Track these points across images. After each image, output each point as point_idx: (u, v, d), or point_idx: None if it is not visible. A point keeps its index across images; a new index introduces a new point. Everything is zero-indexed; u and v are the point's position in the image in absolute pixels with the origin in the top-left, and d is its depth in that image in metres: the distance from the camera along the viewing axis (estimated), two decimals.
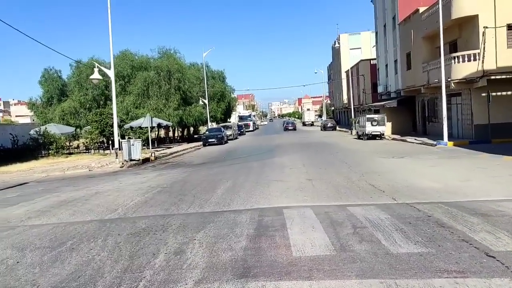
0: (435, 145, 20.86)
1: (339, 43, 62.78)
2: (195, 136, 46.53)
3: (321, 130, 51.20)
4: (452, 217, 6.27)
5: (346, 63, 61.73)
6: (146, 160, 21.12)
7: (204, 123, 44.93)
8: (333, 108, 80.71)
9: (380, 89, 39.10)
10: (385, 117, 29.82)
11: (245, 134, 53.21)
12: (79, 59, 32.27)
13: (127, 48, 48.03)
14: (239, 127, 52.12)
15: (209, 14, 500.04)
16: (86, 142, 29.81)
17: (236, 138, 43.25)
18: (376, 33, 40.73)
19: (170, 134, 44.47)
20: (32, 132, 27.52)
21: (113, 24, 24.58)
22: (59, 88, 36.92)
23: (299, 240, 5.45)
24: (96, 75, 20.14)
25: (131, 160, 19.94)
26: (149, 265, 4.84)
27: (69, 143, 30.59)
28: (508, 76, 20.61)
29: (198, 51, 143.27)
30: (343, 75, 61.48)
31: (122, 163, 19.18)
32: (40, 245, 6.05)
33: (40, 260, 5.33)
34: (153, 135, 32.60)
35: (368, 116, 29.92)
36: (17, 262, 5.31)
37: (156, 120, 29.53)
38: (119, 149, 20.14)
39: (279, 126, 73.62)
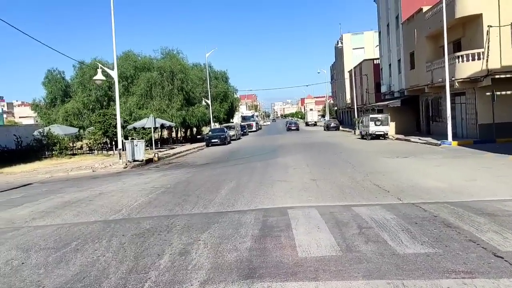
0: (439, 144, 20.78)
1: (342, 43, 62.78)
2: (198, 136, 46.54)
3: (324, 130, 51.07)
4: (458, 217, 6.22)
5: (349, 63, 61.68)
6: (149, 161, 21.15)
7: (207, 123, 44.93)
8: (336, 108, 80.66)
9: (383, 88, 38.99)
10: (389, 116, 29.69)
11: (248, 134, 53.13)
12: (82, 60, 32.32)
13: (130, 49, 48.25)
14: (242, 127, 51.93)
15: (211, 15, 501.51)
16: (90, 143, 29.92)
17: (239, 138, 43.22)
18: (379, 32, 40.57)
19: (173, 134, 44.44)
20: (35, 133, 27.63)
21: (116, 25, 24.66)
22: (63, 89, 36.99)
23: (304, 241, 5.42)
24: (99, 76, 20.18)
25: (134, 160, 19.98)
26: (154, 266, 4.82)
27: (73, 144, 30.63)
28: None
29: (201, 51, 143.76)
30: (346, 75, 61.38)
31: (126, 164, 19.20)
32: (44, 246, 6.04)
33: (45, 261, 5.32)
34: (156, 135, 32.62)
35: (371, 116, 29.83)
36: (22, 263, 5.30)
37: (159, 121, 29.55)
38: (123, 150, 20.15)
39: (282, 126, 73.40)
